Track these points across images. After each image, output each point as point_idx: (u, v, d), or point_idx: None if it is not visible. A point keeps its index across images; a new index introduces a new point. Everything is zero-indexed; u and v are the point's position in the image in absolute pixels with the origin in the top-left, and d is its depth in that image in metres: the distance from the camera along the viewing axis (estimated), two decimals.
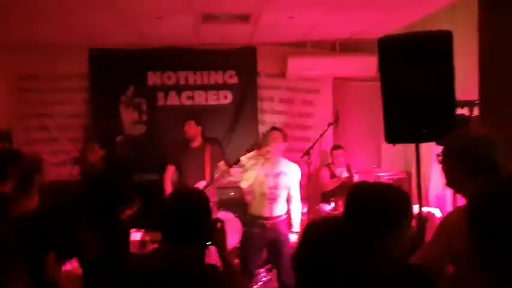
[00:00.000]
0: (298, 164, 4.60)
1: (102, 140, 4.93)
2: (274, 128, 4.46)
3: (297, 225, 4.48)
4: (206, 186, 4.71)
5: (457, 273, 1.87)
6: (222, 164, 5.09)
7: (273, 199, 4.29)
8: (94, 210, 3.56)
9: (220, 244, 2.15)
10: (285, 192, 4.35)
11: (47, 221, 2.28)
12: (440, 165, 2.06)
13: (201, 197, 2.12)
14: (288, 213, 4.45)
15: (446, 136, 2.10)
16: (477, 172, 1.81)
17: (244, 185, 4.40)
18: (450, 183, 2.00)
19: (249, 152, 4.55)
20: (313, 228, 1.37)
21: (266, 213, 4.31)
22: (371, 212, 1.58)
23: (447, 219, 2.03)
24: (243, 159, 4.47)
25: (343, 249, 1.27)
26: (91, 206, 3.49)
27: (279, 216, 4.36)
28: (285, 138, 4.32)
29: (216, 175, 5.02)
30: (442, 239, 1.93)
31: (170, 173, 5.24)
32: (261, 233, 4.31)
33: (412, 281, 1.50)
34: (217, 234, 2.14)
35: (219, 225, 2.15)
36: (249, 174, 4.34)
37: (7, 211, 2.59)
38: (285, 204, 4.41)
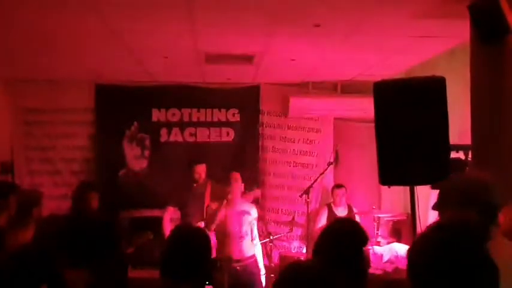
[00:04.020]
0: (296, 202, 4.66)
1: (97, 188, 4.82)
2: (233, 170, 4.69)
3: (263, 267, 4.60)
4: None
5: None
6: (213, 203, 5.10)
7: (240, 237, 4.32)
8: (83, 251, 3.52)
9: (219, 283, 2.15)
10: (249, 231, 4.43)
11: (40, 255, 2.29)
12: (435, 210, 2.01)
13: (201, 235, 2.13)
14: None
15: (441, 180, 2.09)
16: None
17: (212, 227, 4.35)
18: None
19: (249, 192, 4.67)
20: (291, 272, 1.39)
21: (236, 254, 4.24)
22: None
23: None
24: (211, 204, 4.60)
25: None
26: (80, 247, 3.45)
27: (250, 257, 4.37)
28: (241, 179, 4.57)
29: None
30: None
31: (169, 215, 5.25)
32: (232, 277, 4.03)
33: None
34: (217, 273, 2.14)
35: (219, 264, 2.16)
36: (215, 215, 4.37)
37: (1, 243, 2.62)
38: (253, 246, 4.46)
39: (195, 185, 5.20)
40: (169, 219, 5.25)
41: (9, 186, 3.28)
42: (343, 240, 1.95)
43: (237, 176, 4.53)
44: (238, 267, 4.18)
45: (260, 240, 5.12)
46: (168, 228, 5.15)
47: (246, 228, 4.40)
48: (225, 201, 4.36)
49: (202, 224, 4.80)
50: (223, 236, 4.32)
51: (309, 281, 1.34)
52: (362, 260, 1.91)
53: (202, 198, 5.03)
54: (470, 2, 2.78)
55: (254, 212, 4.56)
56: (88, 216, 4.12)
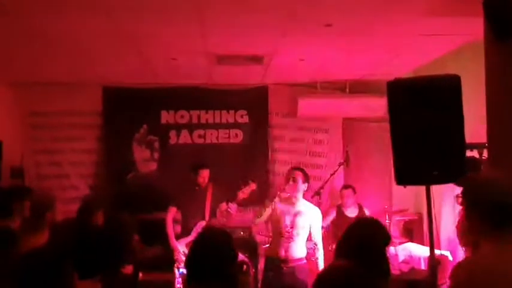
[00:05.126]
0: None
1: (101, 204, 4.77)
2: (295, 168, 4.42)
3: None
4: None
5: None
6: (223, 204, 5.12)
7: (289, 238, 4.11)
8: (95, 262, 3.49)
9: (245, 286, 2.14)
10: (303, 233, 4.17)
11: (52, 259, 2.29)
12: (461, 206, 1.98)
13: (228, 239, 2.13)
14: (310, 258, 4.25)
15: (465, 178, 2.05)
16: (502, 223, 1.78)
17: (257, 221, 4.35)
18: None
19: (245, 186, 4.63)
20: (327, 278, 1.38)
21: (283, 254, 4.10)
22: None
23: (460, 275, 1.88)
24: (240, 193, 4.51)
25: None
26: (92, 258, 3.42)
27: (298, 260, 4.13)
28: (307, 178, 4.25)
29: (218, 214, 5.05)
30: None
31: (171, 215, 5.23)
32: (276, 277, 4.07)
33: None
34: (242, 276, 2.14)
35: (244, 267, 2.16)
36: (263, 210, 4.25)
37: (14, 246, 2.62)
38: (304, 248, 4.23)
39: (197, 188, 5.19)
40: (172, 219, 5.24)
41: (24, 190, 3.29)
42: (367, 241, 1.93)
43: (297, 175, 4.22)
44: (284, 268, 4.07)
45: None
46: (171, 228, 5.16)
47: (299, 230, 4.12)
48: (276, 199, 4.19)
49: (201, 225, 4.87)
50: (275, 233, 4.21)
51: (348, 284, 1.33)
52: (386, 260, 1.90)
53: (204, 200, 5.03)
54: None
55: (312, 215, 4.21)
56: (96, 230, 4.08)
